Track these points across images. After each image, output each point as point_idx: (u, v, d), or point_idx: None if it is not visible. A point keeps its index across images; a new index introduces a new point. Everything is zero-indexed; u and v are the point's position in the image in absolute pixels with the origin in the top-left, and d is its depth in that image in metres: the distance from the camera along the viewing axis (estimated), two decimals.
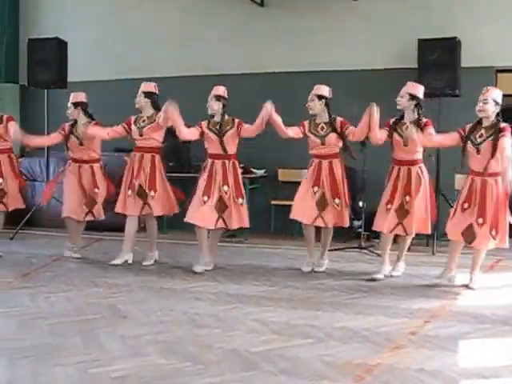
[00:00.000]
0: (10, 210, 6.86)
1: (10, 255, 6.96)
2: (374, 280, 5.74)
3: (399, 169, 5.80)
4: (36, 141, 7.05)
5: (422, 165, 5.84)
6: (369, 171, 7.16)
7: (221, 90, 6.13)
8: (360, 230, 7.40)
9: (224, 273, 6.16)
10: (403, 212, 5.74)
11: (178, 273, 6.14)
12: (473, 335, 4.21)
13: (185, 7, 8.89)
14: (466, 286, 5.49)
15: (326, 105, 6.03)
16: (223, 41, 8.71)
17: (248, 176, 7.91)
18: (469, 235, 5.36)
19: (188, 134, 6.09)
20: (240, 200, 6.07)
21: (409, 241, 6.03)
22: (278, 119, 5.93)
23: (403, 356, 3.80)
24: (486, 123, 5.35)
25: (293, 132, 6.05)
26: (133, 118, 6.39)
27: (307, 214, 5.99)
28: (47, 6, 9.59)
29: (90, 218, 6.78)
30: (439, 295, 5.30)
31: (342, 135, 5.96)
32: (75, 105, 6.66)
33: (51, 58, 8.39)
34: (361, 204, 7.56)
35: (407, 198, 5.73)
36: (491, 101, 5.30)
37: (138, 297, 5.22)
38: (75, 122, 6.65)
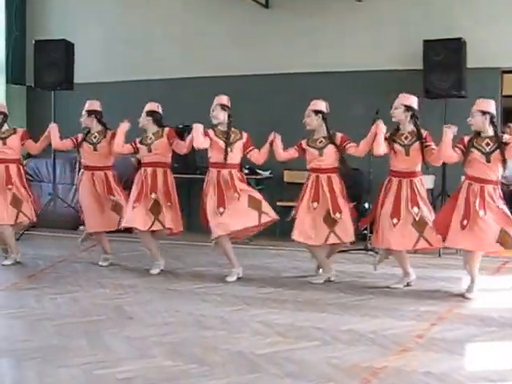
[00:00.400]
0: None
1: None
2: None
3: (400, 181, 5.61)
4: (56, 141, 6.75)
5: (421, 177, 5.68)
6: (375, 172, 7.14)
7: (224, 99, 6.03)
8: (366, 231, 7.37)
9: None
10: (422, 224, 5.52)
11: (183, 274, 6.14)
12: (480, 338, 4.19)
13: (190, 8, 8.89)
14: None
15: (324, 119, 5.87)
16: (229, 42, 8.70)
17: (254, 177, 7.91)
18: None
19: (202, 142, 6.02)
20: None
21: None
22: (279, 144, 5.94)
23: (410, 359, 3.79)
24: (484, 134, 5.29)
25: (287, 155, 5.98)
26: (137, 139, 6.35)
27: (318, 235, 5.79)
28: (54, 7, 9.61)
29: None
30: (446, 298, 5.28)
31: (339, 149, 5.81)
32: (89, 113, 6.56)
33: (58, 59, 8.41)
34: (366, 205, 7.54)
35: (416, 209, 5.52)
36: (477, 111, 5.28)
37: (143, 298, 5.23)
38: (89, 130, 6.55)
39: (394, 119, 5.66)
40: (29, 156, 9.27)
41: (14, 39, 9.42)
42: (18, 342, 4.08)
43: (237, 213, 5.82)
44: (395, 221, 5.54)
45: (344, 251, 7.10)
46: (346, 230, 5.78)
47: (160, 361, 3.74)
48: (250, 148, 6.03)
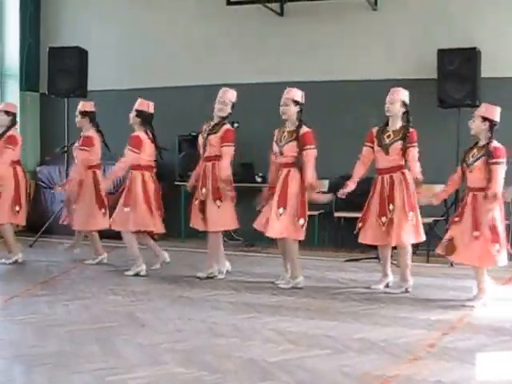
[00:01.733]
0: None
1: (29, 263, 7.02)
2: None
3: (382, 178, 5.68)
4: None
5: (405, 170, 5.69)
6: None
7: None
8: None
9: (242, 282, 6.16)
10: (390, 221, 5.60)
11: (196, 281, 6.14)
12: (491, 348, 4.16)
13: (204, 16, 8.91)
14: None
15: (300, 111, 5.86)
16: (242, 50, 8.73)
17: None
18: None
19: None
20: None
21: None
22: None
23: (421, 368, 3.77)
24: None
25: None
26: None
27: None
28: (68, 15, 9.67)
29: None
30: (458, 307, 5.24)
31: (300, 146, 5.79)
32: (82, 114, 6.77)
33: (71, 66, 8.47)
34: None
35: (391, 206, 5.59)
36: (479, 117, 5.31)
37: (156, 305, 5.24)
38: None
39: (388, 113, 5.68)
40: (42, 163, 9.35)
41: (28, 46, 9.48)
42: (30, 347, 4.09)
43: None
44: (384, 219, 5.60)
45: (355, 260, 7.10)
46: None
47: (172, 368, 3.74)
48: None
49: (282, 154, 5.85)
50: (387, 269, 5.88)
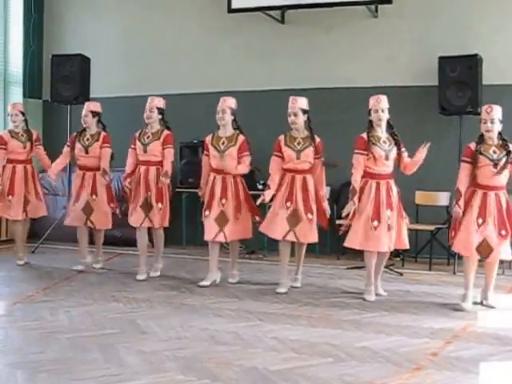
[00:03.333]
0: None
1: (32, 269, 7.02)
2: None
3: (378, 183, 5.69)
4: (57, 167, 7.11)
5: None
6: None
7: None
8: None
9: (243, 289, 6.16)
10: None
11: (197, 288, 6.13)
12: (495, 357, 4.14)
13: (205, 23, 8.93)
14: (481, 304, 5.47)
15: (308, 119, 6.01)
16: (244, 57, 8.74)
17: None
18: (485, 249, 5.31)
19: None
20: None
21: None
22: None
23: (424, 377, 3.76)
24: (490, 141, 5.37)
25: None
26: (136, 134, 6.54)
27: (279, 230, 5.93)
28: (71, 23, 9.70)
29: (89, 224, 6.81)
30: (461, 315, 5.23)
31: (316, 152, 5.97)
32: (94, 114, 6.85)
33: (74, 73, 8.48)
34: None
35: (388, 212, 5.63)
36: (497, 120, 5.36)
37: (157, 312, 5.23)
38: (83, 130, 6.85)
39: (379, 122, 5.71)
40: (44, 170, 9.35)
41: (31, 54, 9.51)
42: (32, 354, 4.09)
43: None
44: (375, 224, 5.61)
45: (357, 268, 7.08)
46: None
47: (173, 375, 3.73)
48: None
49: (298, 158, 5.92)
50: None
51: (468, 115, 7.25)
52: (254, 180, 8.21)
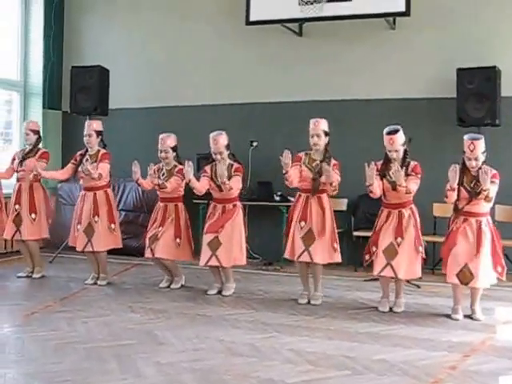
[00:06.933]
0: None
1: (49, 279, 7.06)
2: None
3: (389, 212, 5.72)
4: (53, 175, 7.15)
5: (412, 206, 5.74)
6: None
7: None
8: None
9: (260, 301, 6.15)
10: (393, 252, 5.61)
11: (214, 300, 6.14)
12: None
13: (223, 36, 8.98)
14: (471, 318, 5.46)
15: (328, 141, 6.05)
16: (261, 70, 8.76)
17: None
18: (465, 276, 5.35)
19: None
20: None
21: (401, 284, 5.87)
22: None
23: None
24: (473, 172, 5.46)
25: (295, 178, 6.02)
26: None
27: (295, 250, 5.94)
28: (90, 35, 9.81)
29: (88, 248, 6.65)
30: (480, 328, 5.19)
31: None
32: (98, 133, 6.81)
33: (93, 85, 8.56)
34: None
35: (399, 239, 5.60)
36: (480, 154, 5.44)
37: (174, 323, 5.24)
38: (86, 150, 6.79)
39: (392, 155, 5.65)
40: (62, 180, 9.41)
41: (51, 65, 9.61)
42: (49, 364, 4.11)
43: None
44: (374, 249, 5.71)
45: (375, 280, 7.04)
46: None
47: None
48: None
49: (314, 180, 5.92)
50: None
51: (486, 127, 7.21)
52: (271, 192, 8.22)
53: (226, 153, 6.27)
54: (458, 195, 5.46)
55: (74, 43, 9.85)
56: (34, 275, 7.05)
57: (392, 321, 5.40)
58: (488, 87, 7.29)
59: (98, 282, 6.79)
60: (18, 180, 7.00)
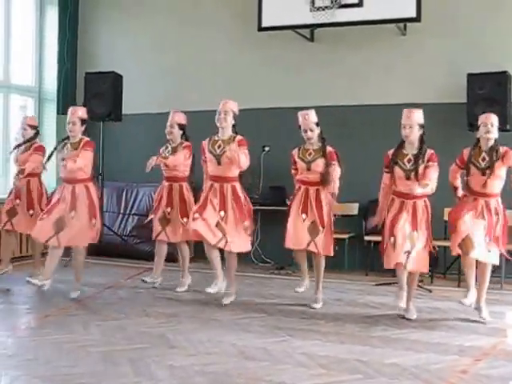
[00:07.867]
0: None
1: (64, 283, 7.11)
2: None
3: (402, 202, 5.59)
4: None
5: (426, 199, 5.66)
6: None
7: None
8: None
9: (272, 305, 6.18)
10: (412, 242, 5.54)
11: (226, 304, 6.17)
12: None
13: (236, 41, 9.04)
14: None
15: (320, 131, 6.13)
16: (272, 75, 8.81)
17: None
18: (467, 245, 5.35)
19: None
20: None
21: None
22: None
23: None
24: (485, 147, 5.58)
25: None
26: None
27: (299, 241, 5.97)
28: (104, 40, 9.90)
29: (54, 242, 6.13)
30: (491, 332, 5.20)
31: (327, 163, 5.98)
32: (83, 121, 6.42)
33: (107, 91, 8.65)
34: None
35: (415, 233, 5.50)
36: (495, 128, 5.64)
37: (186, 327, 5.28)
38: (67, 138, 6.38)
39: (407, 138, 5.63)
40: None
41: (65, 71, 9.70)
42: (63, 367, 4.17)
43: None
44: (392, 240, 5.54)
45: (386, 284, 7.07)
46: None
47: None
48: None
49: (309, 169, 5.99)
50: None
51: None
52: (283, 196, 8.25)
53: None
54: (468, 173, 5.53)
55: (88, 49, 9.94)
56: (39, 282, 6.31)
57: (403, 325, 5.42)
58: (499, 92, 7.30)
59: (71, 294, 6.27)
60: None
